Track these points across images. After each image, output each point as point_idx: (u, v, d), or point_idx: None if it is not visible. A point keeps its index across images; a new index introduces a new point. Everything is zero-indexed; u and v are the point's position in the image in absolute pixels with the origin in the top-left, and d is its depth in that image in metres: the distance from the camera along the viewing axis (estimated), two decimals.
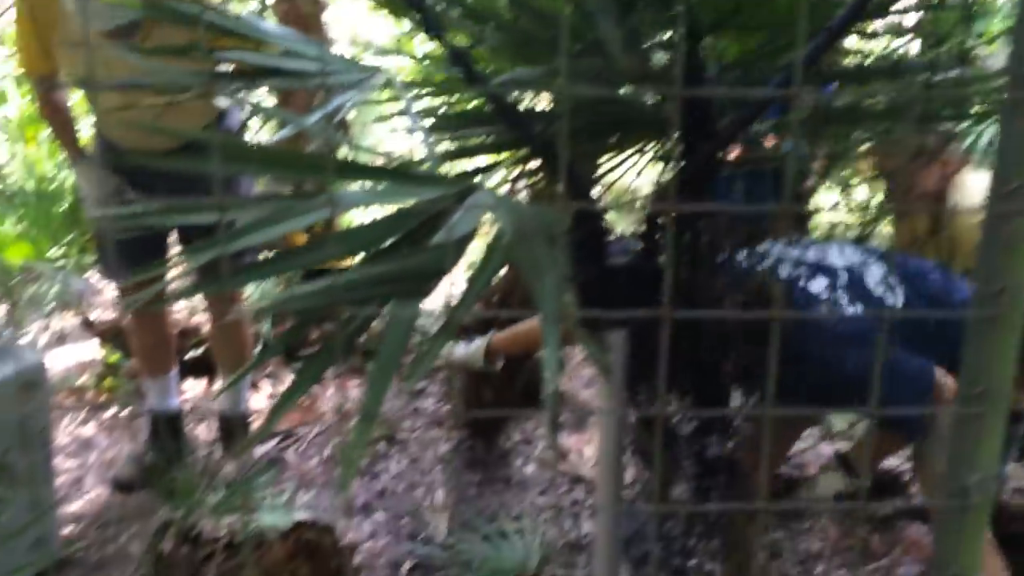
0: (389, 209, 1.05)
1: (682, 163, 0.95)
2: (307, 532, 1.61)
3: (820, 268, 1.67)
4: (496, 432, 3.27)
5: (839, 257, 1.88)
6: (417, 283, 1.02)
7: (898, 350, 1.82)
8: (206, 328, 3.71)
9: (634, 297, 0.98)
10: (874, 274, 1.90)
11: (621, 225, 1.09)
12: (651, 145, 1.23)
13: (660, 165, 1.21)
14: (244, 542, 2.11)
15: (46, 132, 4.10)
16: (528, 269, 1.02)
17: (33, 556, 2.39)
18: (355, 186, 1.09)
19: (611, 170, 1.27)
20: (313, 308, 0.95)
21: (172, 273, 1.02)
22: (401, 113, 1.32)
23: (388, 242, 1.03)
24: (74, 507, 2.83)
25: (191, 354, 3.60)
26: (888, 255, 2.09)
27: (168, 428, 2.88)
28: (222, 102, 2.53)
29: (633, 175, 1.28)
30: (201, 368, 3.61)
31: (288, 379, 3.66)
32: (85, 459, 3.14)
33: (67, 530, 2.69)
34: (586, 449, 3.33)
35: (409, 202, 1.06)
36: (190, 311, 3.87)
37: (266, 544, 1.68)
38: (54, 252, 3.46)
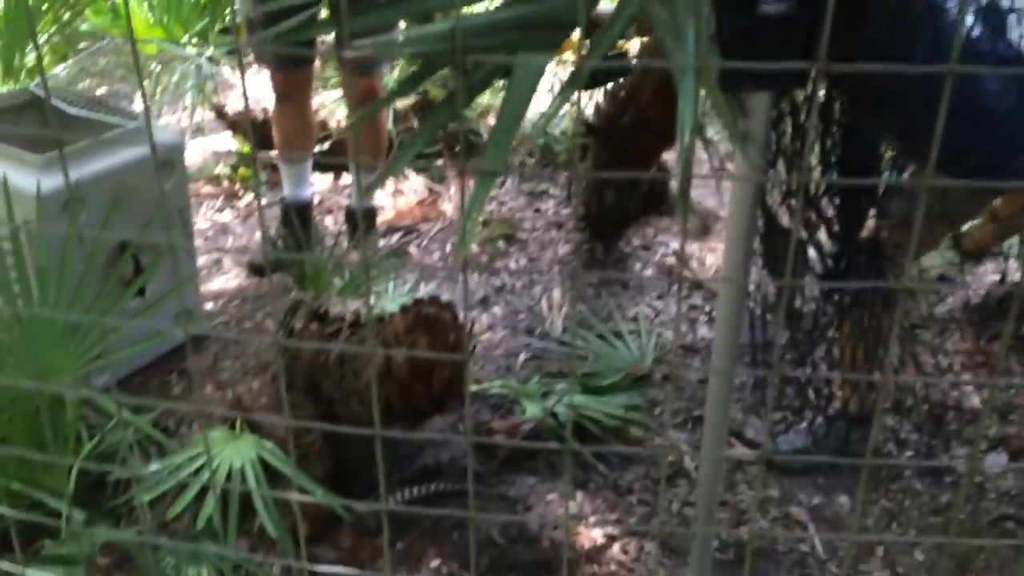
0: None
1: None
2: (426, 307, 1.65)
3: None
4: (617, 236, 3.23)
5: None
6: (546, 33, 0.95)
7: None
8: (333, 124, 3.75)
9: (786, 54, 0.88)
10: None
11: None
12: None
13: None
14: (368, 319, 2.20)
15: None
16: (663, 24, 0.93)
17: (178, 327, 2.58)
18: None
19: None
20: (440, 51, 0.90)
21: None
22: None
23: None
24: (214, 286, 3.01)
25: (319, 148, 3.66)
26: None
27: (299, 216, 2.98)
28: None
29: None
30: (329, 163, 3.68)
31: (411, 175, 3.69)
32: (223, 244, 3.31)
33: (208, 306, 2.88)
34: (708, 257, 3.26)
35: None
36: (320, 106, 3.90)
37: (387, 318, 1.74)
38: (186, 41, 3.52)
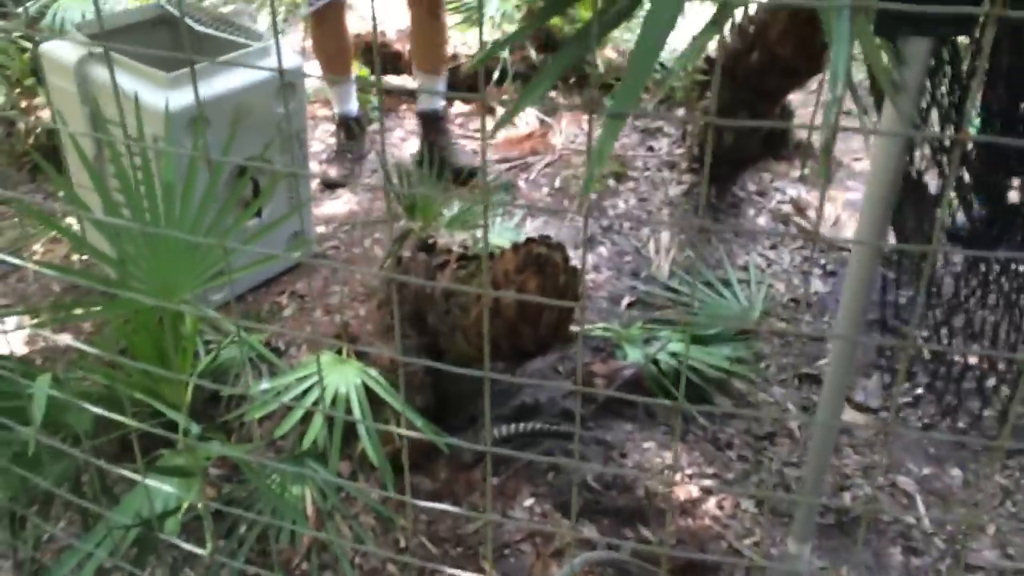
0: None
1: None
2: (537, 247, 1.61)
3: None
4: (731, 179, 3.12)
5: None
6: None
7: None
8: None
9: None
10: None
11: None
12: None
13: None
14: (476, 254, 2.20)
15: None
16: None
17: (291, 249, 2.64)
18: None
19: None
20: None
21: None
22: None
23: None
24: (326, 210, 3.06)
25: None
26: None
27: (354, 127, 3.27)
28: None
29: None
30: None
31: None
32: (338, 165, 3.35)
33: (320, 230, 2.93)
34: (827, 206, 3.11)
35: None
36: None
37: (497, 256, 1.71)
38: None
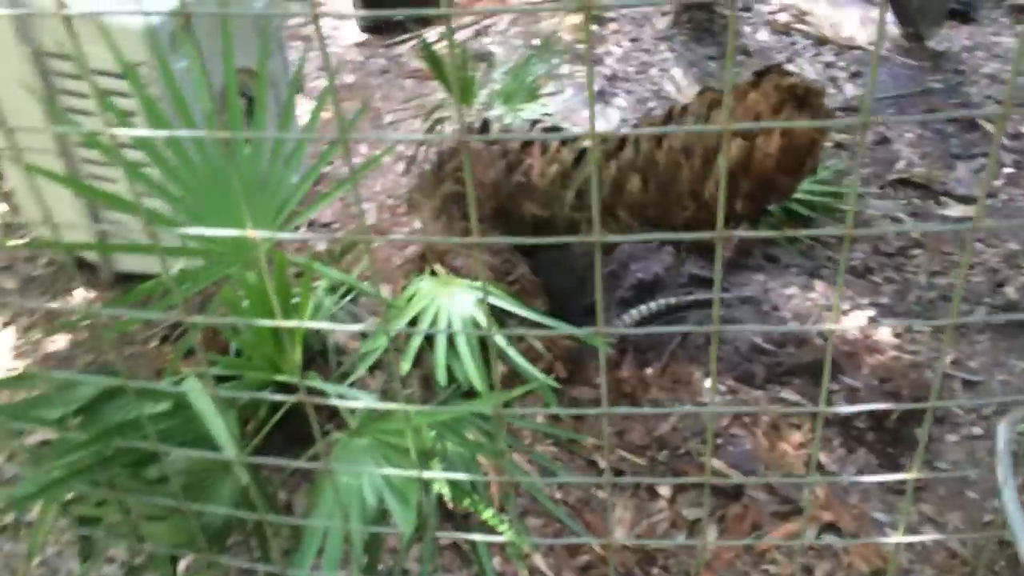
0: None
1: None
2: (785, 78, 1.29)
3: None
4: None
5: None
6: None
7: None
8: None
9: None
10: None
11: None
12: None
13: None
14: (554, 126, 1.89)
15: None
16: None
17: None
18: None
19: None
20: None
21: None
22: None
23: None
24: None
25: None
26: None
27: None
28: None
29: None
30: None
31: None
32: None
33: None
34: (815, 8, 2.95)
35: None
36: None
37: (742, 89, 1.35)
38: None
